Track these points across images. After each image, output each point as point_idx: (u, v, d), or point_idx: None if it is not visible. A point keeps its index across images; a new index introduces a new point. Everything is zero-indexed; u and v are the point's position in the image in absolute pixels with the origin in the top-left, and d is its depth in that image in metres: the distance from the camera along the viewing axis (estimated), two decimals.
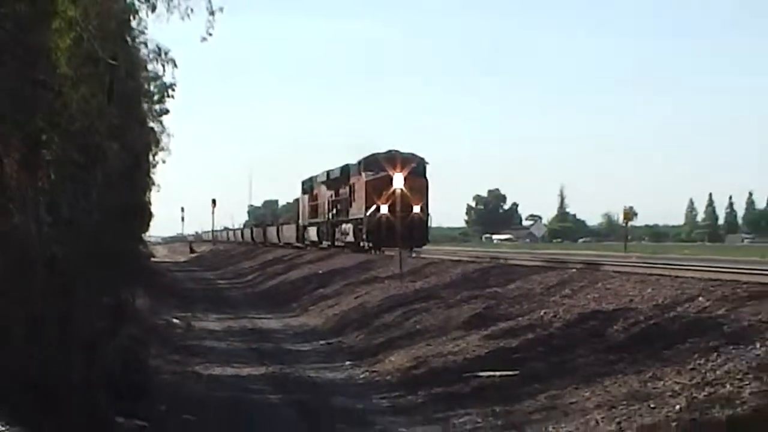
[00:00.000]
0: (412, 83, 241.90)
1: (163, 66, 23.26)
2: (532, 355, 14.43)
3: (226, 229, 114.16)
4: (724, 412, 9.66)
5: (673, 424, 9.74)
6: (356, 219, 41.37)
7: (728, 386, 10.29)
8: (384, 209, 37.54)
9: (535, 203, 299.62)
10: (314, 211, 52.05)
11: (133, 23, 17.43)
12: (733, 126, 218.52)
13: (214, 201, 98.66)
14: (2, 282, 10.53)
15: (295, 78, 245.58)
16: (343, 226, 44.03)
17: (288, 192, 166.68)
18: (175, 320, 23.59)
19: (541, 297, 18.41)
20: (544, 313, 16.79)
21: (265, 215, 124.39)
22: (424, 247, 39.34)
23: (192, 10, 14.63)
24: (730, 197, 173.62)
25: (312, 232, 52.39)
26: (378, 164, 39.17)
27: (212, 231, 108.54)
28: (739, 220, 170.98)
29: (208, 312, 27.92)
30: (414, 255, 34.78)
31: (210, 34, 14.98)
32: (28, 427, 8.97)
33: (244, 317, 26.88)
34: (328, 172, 48.19)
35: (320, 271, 36.32)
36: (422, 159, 40.13)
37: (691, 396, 10.33)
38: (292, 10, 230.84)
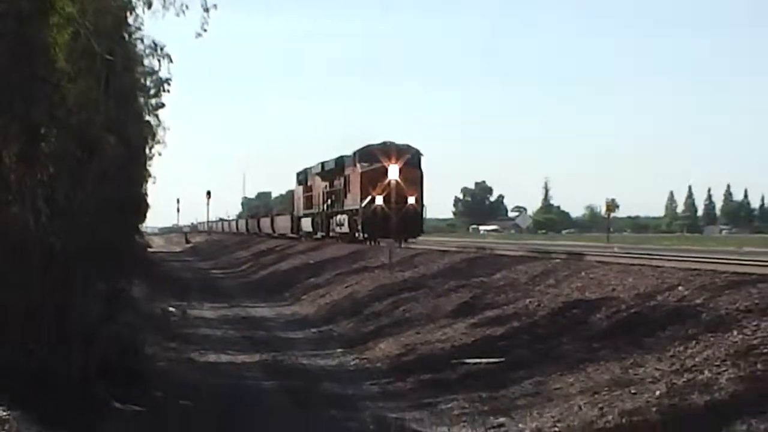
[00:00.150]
0: (405, 79, 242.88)
1: (159, 61, 23.41)
2: (517, 342, 14.61)
3: (221, 220, 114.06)
4: (702, 398, 9.84)
5: (654, 409, 9.92)
6: (351, 210, 41.15)
7: (706, 372, 10.46)
8: (379, 200, 37.48)
9: (521, 195, 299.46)
10: (309, 202, 51.68)
11: (130, 19, 17.55)
12: (712, 120, 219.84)
13: (209, 193, 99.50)
14: (1, 272, 10.79)
15: (290, 74, 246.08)
16: (338, 217, 43.69)
17: (281, 184, 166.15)
18: (170, 309, 23.79)
19: (527, 286, 18.58)
20: (529, 301, 16.98)
21: (258, 207, 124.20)
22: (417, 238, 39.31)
23: (187, 6, 14.74)
24: (709, 189, 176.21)
25: (306, 223, 51.95)
26: (373, 155, 39.00)
27: (207, 222, 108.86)
28: (718, 212, 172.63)
29: (203, 301, 27.91)
30: (403, 246, 34.84)
31: (205, 30, 15.10)
32: (27, 412, 9.28)
33: (237, 306, 26.91)
34: (323, 164, 47.75)
35: (312, 261, 36.23)
36: (417, 150, 39.86)
37: (671, 382, 10.50)
38: (291, 10, 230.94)
